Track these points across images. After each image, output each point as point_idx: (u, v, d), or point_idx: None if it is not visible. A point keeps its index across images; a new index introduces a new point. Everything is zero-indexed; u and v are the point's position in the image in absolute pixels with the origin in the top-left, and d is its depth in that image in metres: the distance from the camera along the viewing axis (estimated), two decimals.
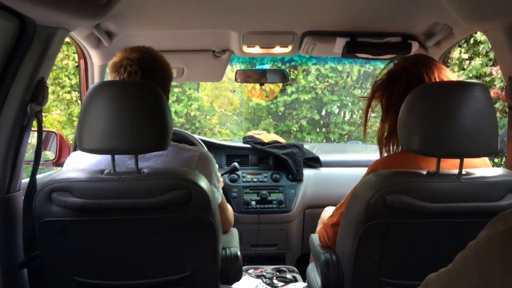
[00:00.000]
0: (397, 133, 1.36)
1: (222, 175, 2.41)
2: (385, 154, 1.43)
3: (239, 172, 2.58)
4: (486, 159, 1.40)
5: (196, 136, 2.56)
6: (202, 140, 2.57)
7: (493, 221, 0.63)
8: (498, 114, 4.20)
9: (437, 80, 1.34)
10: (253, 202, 2.48)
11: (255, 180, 2.56)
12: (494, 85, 4.43)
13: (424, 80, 1.34)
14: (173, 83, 1.55)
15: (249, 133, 2.90)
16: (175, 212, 1.21)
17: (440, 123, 1.13)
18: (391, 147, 1.43)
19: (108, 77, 1.45)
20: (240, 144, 2.77)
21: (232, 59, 2.39)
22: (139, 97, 1.18)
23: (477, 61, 4.72)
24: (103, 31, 1.76)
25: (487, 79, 4.60)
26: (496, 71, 4.48)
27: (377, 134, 1.44)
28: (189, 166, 1.39)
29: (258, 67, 2.81)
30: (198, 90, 7.94)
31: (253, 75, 2.50)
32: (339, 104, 7.96)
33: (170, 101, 1.59)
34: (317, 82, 7.73)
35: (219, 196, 1.52)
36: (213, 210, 1.24)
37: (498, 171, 1.24)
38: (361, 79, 7.95)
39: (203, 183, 1.23)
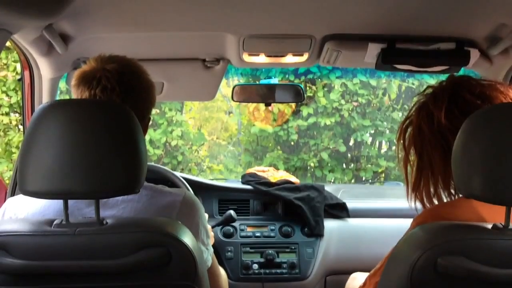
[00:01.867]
0: (425, 178, 1.45)
1: (213, 227, 2.43)
2: (419, 206, 1.46)
3: (236, 224, 2.59)
4: None
5: (178, 173, 2.58)
6: (186, 179, 2.59)
7: None
8: None
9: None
10: (256, 266, 2.48)
11: (258, 234, 2.57)
12: None
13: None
14: None
15: (251, 170, 2.92)
16: (149, 278, 1.21)
17: (510, 160, 1.13)
18: (423, 196, 1.46)
19: (73, 92, 1.48)
20: (238, 185, 2.79)
21: (228, 71, 2.41)
22: (103, 122, 1.20)
23: None
24: (57, 33, 1.78)
25: None
26: None
27: (404, 182, 1.49)
28: (168, 216, 1.41)
29: (263, 81, 2.82)
30: (181, 111, 7.93)
31: (256, 92, 2.53)
32: (372, 131, 7.94)
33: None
34: (342, 102, 7.71)
35: (208, 256, 1.53)
36: (200, 276, 1.24)
37: None
38: (402, 98, 7.94)
39: (188, 238, 1.24)
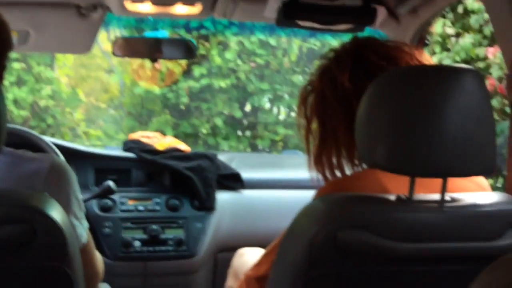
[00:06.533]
0: (328, 148, 1.50)
1: (87, 200, 2.41)
2: (319, 178, 1.51)
3: (115, 196, 2.57)
4: (481, 179, 1.46)
5: (46, 138, 2.53)
6: (56, 145, 2.54)
7: (490, 269, 0.65)
8: (495, 116, 4.44)
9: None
10: (137, 243, 2.49)
11: (140, 208, 2.57)
12: (490, 74, 4.68)
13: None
14: (12, 55, 1.59)
15: (134, 136, 2.92)
16: (9, 260, 1.18)
17: (415, 127, 1.16)
18: (325, 168, 1.51)
19: None
20: (119, 152, 2.78)
21: (108, 22, 2.39)
22: None
23: (467, 39, 4.97)
24: None
25: (481, 64, 4.86)
26: (493, 54, 4.74)
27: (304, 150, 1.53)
28: (32, 186, 1.38)
29: (149, 33, 2.75)
30: (52, 67, 7.76)
31: (141, 46, 2.50)
32: (271, 96, 8.04)
33: (6, 82, 1.57)
34: (239, 62, 7.76)
35: (83, 232, 1.52)
36: (71, 256, 1.22)
37: (494, 197, 1.28)
38: (303, 60, 8.04)
39: (56, 212, 1.22)
